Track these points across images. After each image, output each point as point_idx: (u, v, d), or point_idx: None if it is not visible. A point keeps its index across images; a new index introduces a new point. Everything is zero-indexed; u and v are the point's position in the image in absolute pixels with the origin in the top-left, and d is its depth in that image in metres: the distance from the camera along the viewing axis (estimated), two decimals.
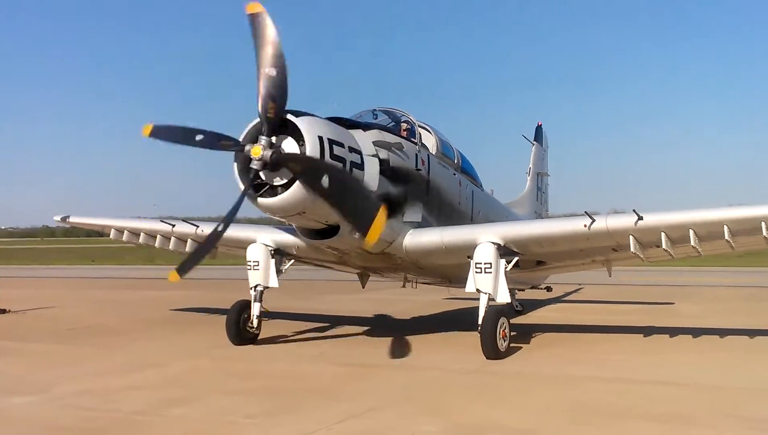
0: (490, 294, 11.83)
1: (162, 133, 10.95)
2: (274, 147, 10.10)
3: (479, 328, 11.60)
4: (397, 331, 14.54)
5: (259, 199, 10.46)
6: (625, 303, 21.10)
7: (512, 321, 16.62)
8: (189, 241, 15.32)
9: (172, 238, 15.55)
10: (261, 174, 10.25)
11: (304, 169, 10.12)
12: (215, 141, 10.44)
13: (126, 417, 7.96)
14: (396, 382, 9.89)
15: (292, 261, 13.76)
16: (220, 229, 10.62)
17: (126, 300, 23.05)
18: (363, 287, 15.74)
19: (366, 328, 15.45)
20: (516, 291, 18.38)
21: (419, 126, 13.16)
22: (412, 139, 12.67)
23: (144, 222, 16.29)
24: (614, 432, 7.28)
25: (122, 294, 25.58)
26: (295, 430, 7.32)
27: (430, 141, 13.34)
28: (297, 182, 10.18)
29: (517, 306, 18.51)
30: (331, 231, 11.50)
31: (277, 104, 10.04)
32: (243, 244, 13.76)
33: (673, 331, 14.39)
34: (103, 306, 20.87)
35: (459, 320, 16.58)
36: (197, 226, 14.87)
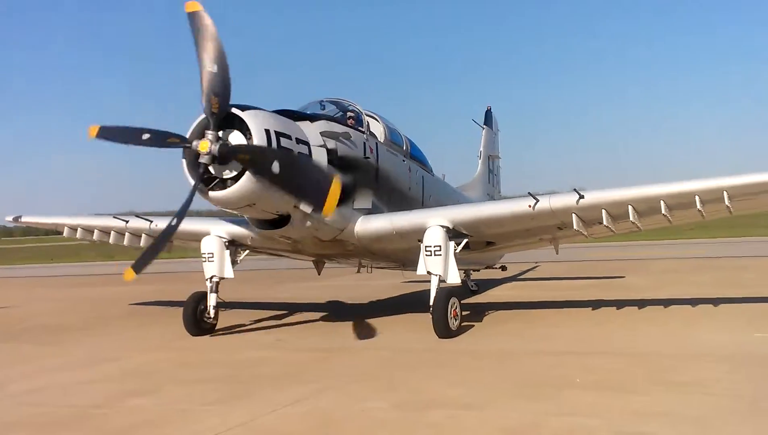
0: (440, 275, 12.13)
1: (109, 133, 11.05)
2: (221, 140, 10.28)
3: (431, 309, 11.92)
4: (353, 316, 14.82)
5: (210, 193, 10.64)
6: (578, 278, 21.66)
7: (467, 301, 17.27)
8: (143, 236, 15.41)
9: (127, 234, 15.64)
10: (210, 168, 10.43)
11: (252, 158, 10.32)
12: (163, 139, 10.60)
13: (82, 410, 8.08)
14: (350, 363, 10.16)
15: (247, 251, 13.96)
16: (173, 223, 10.78)
17: (85, 297, 22.99)
18: (319, 274, 16.00)
19: (323, 313, 15.71)
20: (471, 271, 18.87)
21: (366, 115, 13.40)
22: (359, 129, 12.89)
23: (97, 219, 16.30)
24: (550, 402, 7.59)
25: (81, 291, 25.50)
26: (246, 414, 7.53)
27: (378, 129, 13.60)
28: (246, 173, 10.38)
29: (472, 286, 18.94)
30: (282, 220, 11.72)
31: (221, 99, 10.22)
32: (197, 237, 13.89)
33: (620, 304, 14.86)
34: (61, 304, 20.82)
35: (415, 302, 16.84)
36: (151, 221, 14.97)
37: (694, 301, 14.66)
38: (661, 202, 11.68)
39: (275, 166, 10.14)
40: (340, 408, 7.68)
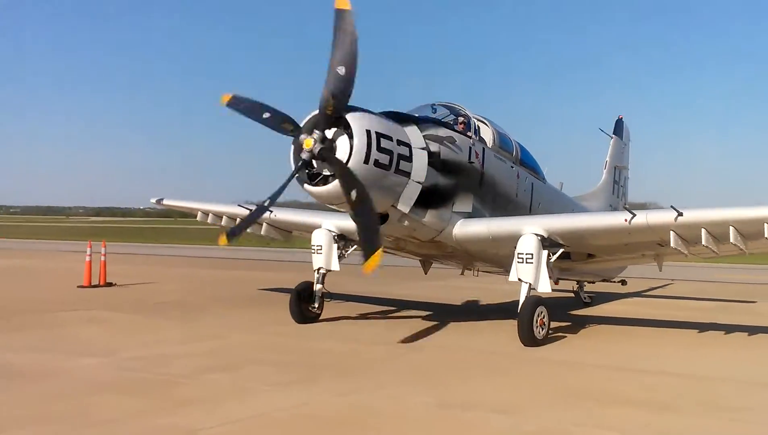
0: (530, 284, 12.27)
1: (238, 103, 11.91)
2: (326, 141, 10.87)
3: (518, 315, 12.08)
4: (455, 317, 15.17)
5: (308, 187, 11.31)
6: (705, 299, 20.84)
7: (576, 312, 17.16)
8: (264, 224, 16.45)
9: None
10: (314, 162, 11.07)
11: (339, 173, 10.87)
12: (279, 122, 11.35)
13: (166, 378, 9.05)
14: (418, 361, 10.65)
15: (355, 247, 14.59)
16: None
17: (221, 278, 24.54)
18: (425, 274, 16.44)
19: (428, 313, 16.11)
20: (585, 283, 18.68)
21: (476, 119, 13.69)
22: (468, 133, 13.19)
23: (225, 206, 17.47)
24: (583, 413, 7.78)
25: (219, 273, 27.07)
26: (298, 398, 8.21)
27: (487, 134, 13.84)
28: None
29: (585, 298, 18.73)
30: (381, 219, 12.23)
31: (337, 102, 10.80)
32: (310, 229, 14.73)
33: (729, 328, 14.36)
34: (196, 283, 22.42)
35: None
36: (271, 211, 15.90)
37: None
38: (765, 225, 11.24)
39: (353, 194, 10.68)
40: (386, 401, 8.19)
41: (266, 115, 11.38)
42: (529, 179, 14.83)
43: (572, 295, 19.01)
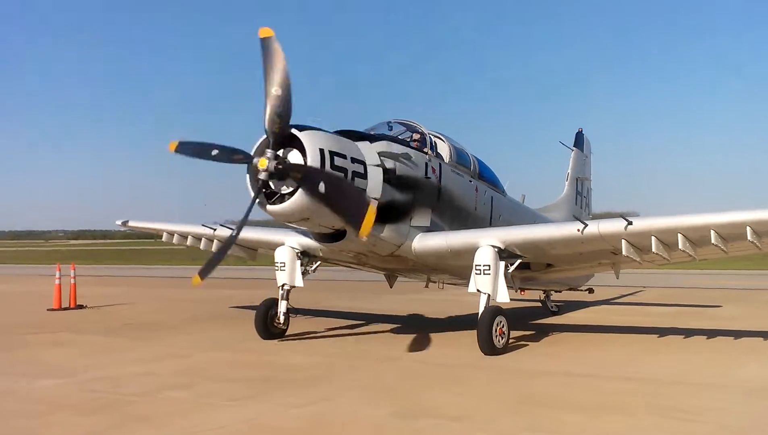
0: (489, 294, 12.48)
1: (186, 148, 12.07)
2: (279, 159, 11.09)
3: (477, 326, 12.29)
4: (422, 329, 15.35)
5: (268, 207, 11.49)
6: (672, 305, 21.17)
7: (541, 321, 17.43)
8: None
9: (215, 241, 16.83)
10: (270, 183, 11.27)
11: (303, 176, 11.08)
12: (230, 155, 11.53)
13: (123, 398, 9.10)
14: (380, 373, 10.78)
15: (319, 262, 14.78)
16: (233, 234, 11.77)
17: (197, 298, 24.48)
18: (390, 287, 16.60)
19: (397, 325, 16.30)
20: (551, 293, 18.95)
21: (433, 135, 13.94)
22: (424, 149, 13.43)
23: (190, 226, 17.59)
24: (534, 419, 7.95)
25: (197, 293, 26.91)
26: (256, 412, 8.32)
27: (444, 150, 14.08)
28: (299, 190, 11.16)
29: (552, 307, 18.99)
30: (339, 235, 12.43)
31: (283, 121, 11.02)
32: (272, 246, 14.86)
33: (689, 332, 14.66)
34: (169, 303, 22.45)
35: None
36: (233, 230, 16.05)
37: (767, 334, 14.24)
38: (712, 231, 11.53)
39: (321, 186, 10.86)
40: (340, 412, 8.31)
41: (215, 152, 11.55)
42: (488, 193, 15.07)
43: (539, 304, 19.27)
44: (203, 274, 11.78)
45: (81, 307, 20.37)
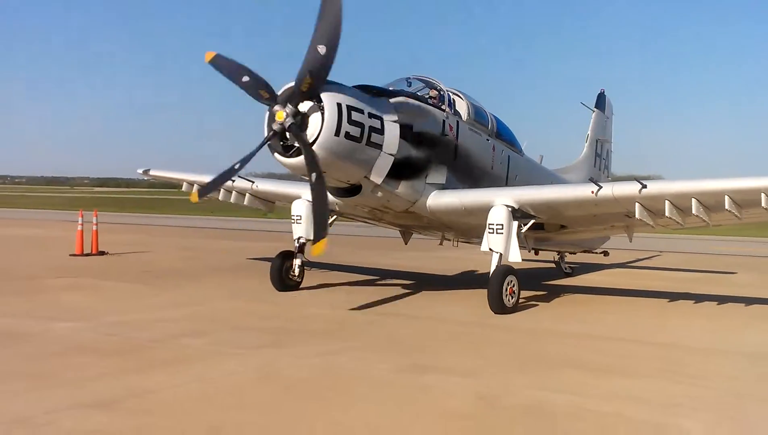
0: (501, 253, 12.60)
1: (221, 63, 11.99)
2: (297, 116, 11.13)
3: (488, 284, 12.44)
4: (435, 286, 15.55)
5: (283, 158, 11.58)
6: (687, 271, 21.20)
7: (553, 282, 17.53)
8: (247, 195, 16.79)
9: (233, 193, 17.01)
10: (286, 134, 11.35)
11: (304, 152, 11.15)
12: (255, 88, 11.46)
13: (139, 343, 9.37)
14: (390, 329, 10.95)
15: (335, 217, 14.95)
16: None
17: (216, 248, 24.89)
18: (405, 244, 16.77)
19: (411, 281, 16.48)
20: (566, 254, 19.04)
21: (451, 92, 13.95)
22: (442, 106, 13.46)
23: (209, 177, 17.65)
24: (536, 376, 8.13)
25: (217, 243, 27.41)
26: (267, 360, 8.56)
27: (462, 107, 14.09)
28: (315, 144, 11.24)
29: (566, 268, 19.09)
30: (354, 190, 12.56)
31: (315, 80, 10.99)
32: (290, 199, 15.04)
33: (700, 298, 14.73)
34: (189, 252, 22.72)
35: None
36: (253, 182, 16.26)
37: None
38: (726, 197, 11.54)
39: (313, 176, 11.06)
40: (350, 365, 8.50)
41: (245, 78, 11.49)
42: (505, 152, 15.09)
43: (554, 265, 19.37)
44: (202, 193, 12.38)
45: (103, 253, 20.73)
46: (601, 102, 21.14)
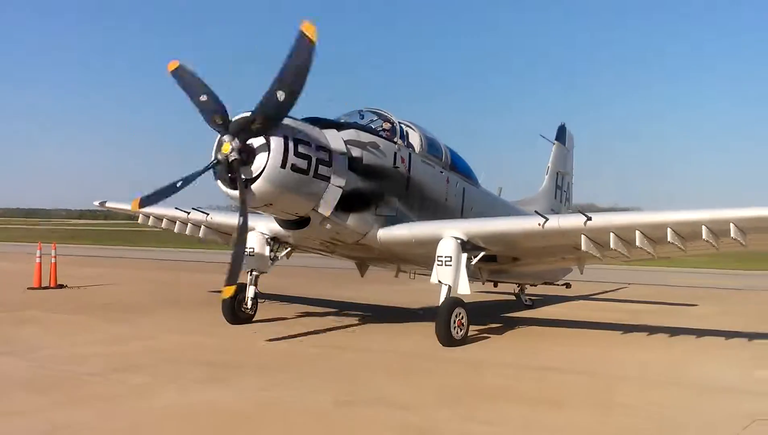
0: (450, 286, 12.59)
1: (182, 74, 11.96)
2: (242, 153, 11.14)
3: (436, 317, 12.41)
4: (388, 319, 15.51)
5: (219, 183, 11.50)
6: (649, 303, 21.24)
7: (513, 314, 17.52)
8: (202, 227, 16.75)
9: (189, 224, 16.99)
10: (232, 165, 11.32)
11: (239, 198, 11.34)
12: (211, 111, 11.43)
13: (75, 376, 9.29)
14: (333, 361, 10.92)
15: (289, 249, 14.95)
16: (178, 185, 11.77)
17: (182, 281, 24.74)
18: (362, 276, 16.67)
19: (365, 314, 16.42)
20: (527, 286, 19.05)
21: (405, 125, 14.03)
22: (394, 139, 13.52)
23: (164, 209, 17.65)
24: (465, 409, 8.14)
25: (185, 276, 27.20)
26: (203, 395, 8.51)
27: (415, 139, 14.16)
28: (260, 177, 11.26)
29: (526, 301, 19.11)
30: (303, 222, 12.55)
31: (266, 124, 11.11)
32: None
33: (653, 330, 14.76)
34: (151, 285, 22.57)
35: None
36: (207, 214, 16.23)
37: (729, 334, 14.36)
38: (668, 229, 11.63)
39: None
40: (291, 398, 8.47)
41: (203, 97, 11.49)
42: (460, 184, 15.14)
43: (514, 297, 19.38)
44: (142, 204, 12.61)
45: (61, 286, 20.53)
46: (561, 135, 21.33)
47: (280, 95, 10.86)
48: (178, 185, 11.79)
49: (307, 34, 10.86)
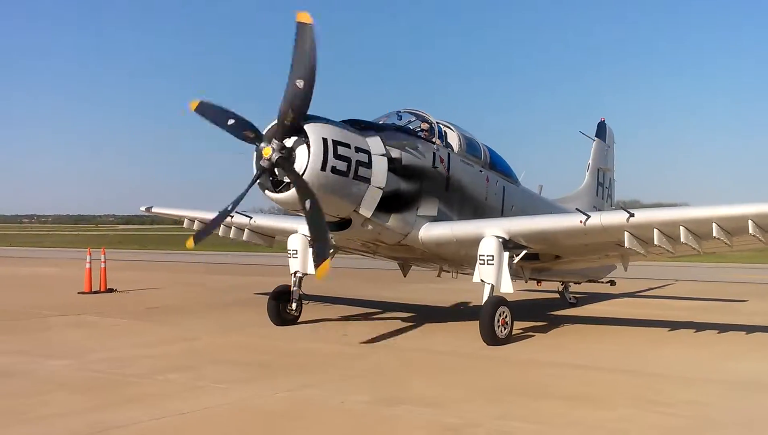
0: (493, 284, 12.56)
1: (205, 109, 12.18)
2: (284, 150, 11.27)
3: (479, 316, 12.39)
4: (432, 318, 15.51)
5: (271, 194, 11.70)
6: (697, 299, 20.92)
7: (558, 312, 17.40)
8: (246, 230, 16.94)
9: (232, 228, 17.18)
10: (275, 170, 11.48)
11: (295, 183, 11.28)
12: (241, 129, 11.64)
13: (122, 378, 9.46)
14: (375, 360, 10.98)
15: (332, 250, 15.02)
16: (229, 208, 12.05)
17: (227, 284, 24.96)
18: (405, 276, 16.73)
19: (409, 314, 16.45)
20: (570, 284, 18.91)
21: (442, 125, 14.04)
22: (432, 139, 13.54)
23: (209, 213, 17.89)
24: (508, 407, 8.09)
25: (230, 279, 27.50)
26: (244, 393, 8.60)
27: (453, 139, 14.16)
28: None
29: (570, 299, 18.94)
30: (344, 224, 12.63)
31: (297, 114, 11.19)
32: (287, 234, 15.15)
33: (701, 326, 14.55)
34: (198, 289, 22.95)
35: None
36: (251, 218, 16.42)
37: None
38: (714, 224, 11.45)
39: (307, 203, 11.07)
40: (325, 398, 8.49)
41: (230, 121, 11.70)
42: (500, 183, 15.10)
43: (558, 295, 19.24)
44: (197, 239, 12.65)
45: (111, 290, 20.93)
46: (601, 131, 21.13)
47: (299, 83, 10.97)
48: (228, 209, 12.08)
49: (303, 21, 10.98)
